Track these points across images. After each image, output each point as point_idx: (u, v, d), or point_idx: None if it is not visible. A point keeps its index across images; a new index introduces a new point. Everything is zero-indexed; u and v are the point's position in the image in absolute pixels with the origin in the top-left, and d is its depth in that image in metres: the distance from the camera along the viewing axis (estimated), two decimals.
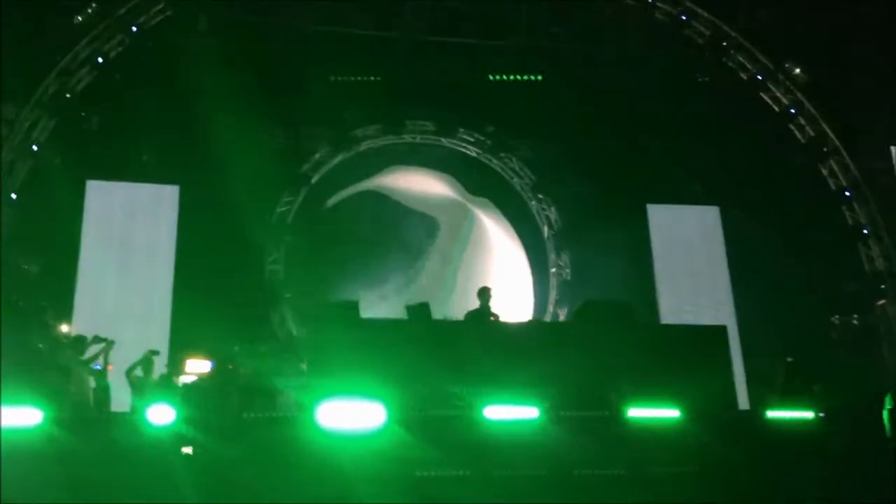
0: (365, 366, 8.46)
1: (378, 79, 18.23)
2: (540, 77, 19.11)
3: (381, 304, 18.84)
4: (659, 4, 16.89)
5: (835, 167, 17.39)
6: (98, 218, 16.01)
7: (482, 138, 19.56)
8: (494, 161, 19.90)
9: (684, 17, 16.90)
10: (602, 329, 9.80)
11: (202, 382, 10.30)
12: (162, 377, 11.21)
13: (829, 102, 17.38)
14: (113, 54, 15.64)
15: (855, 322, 17.23)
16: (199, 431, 8.01)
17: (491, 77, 19.45)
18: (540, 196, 19.87)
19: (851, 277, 17.21)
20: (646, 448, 8.51)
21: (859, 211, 17.34)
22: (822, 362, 14.82)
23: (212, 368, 10.61)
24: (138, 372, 10.97)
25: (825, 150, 17.32)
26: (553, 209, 19.82)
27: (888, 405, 9.37)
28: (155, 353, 12.01)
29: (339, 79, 17.92)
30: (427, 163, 20.21)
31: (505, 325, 10.66)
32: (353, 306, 9.60)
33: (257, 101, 17.10)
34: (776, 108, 17.51)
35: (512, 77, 19.25)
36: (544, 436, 8.33)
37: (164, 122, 16.85)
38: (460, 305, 13.95)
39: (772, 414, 9.49)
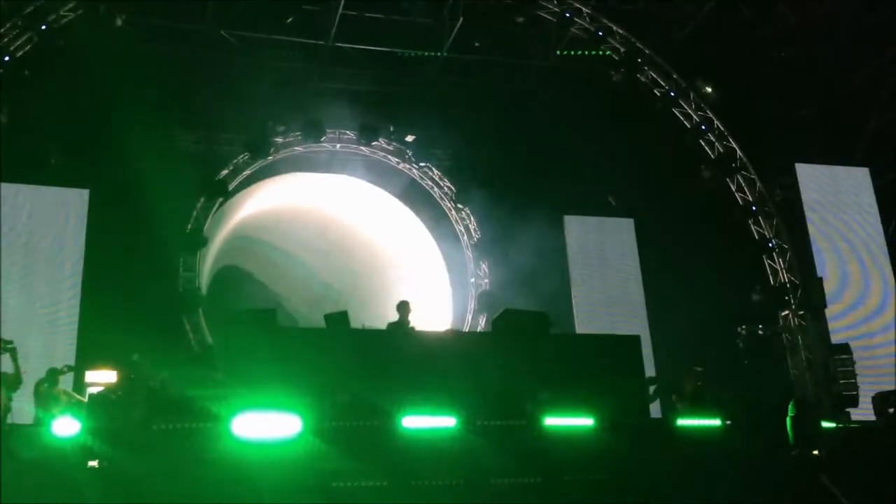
0: (281, 375, 8.33)
1: (298, 86, 18.03)
2: (461, 88, 19.26)
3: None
4: (577, 20, 17.18)
5: (742, 182, 17.98)
6: (2, 221, 15.34)
7: (402, 147, 19.57)
8: (414, 170, 19.93)
9: (601, 34, 17.24)
10: (519, 339, 9.91)
11: (108, 393, 9.95)
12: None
13: (737, 120, 17.95)
14: (20, 53, 15.02)
15: (760, 332, 17.79)
16: (106, 444, 7.75)
17: (412, 87, 19.53)
18: (459, 206, 19.98)
19: (758, 289, 17.78)
20: (561, 456, 8.61)
21: (764, 225, 17.95)
22: (731, 371, 15.29)
23: (117, 379, 10.26)
24: (45, 385, 10.64)
25: (733, 165, 17.87)
26: (472, 219, 19.96)
27: (791, 413, 9.71)
28: (71, 368, 11.61)
29: (259, 84, 17.66)
30: (347, 171, 20.10)
31: (423, 334, 10.65)
32: (270, 314, 9.45)
33: (173, 104, 16.74)
34: (688, 125, 17.99)
35: (434, 88, 19.36)
36: (461, 445, 8.34)
37: (75, 123, 16.32)
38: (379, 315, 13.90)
39: (681, 422, 9.76)
